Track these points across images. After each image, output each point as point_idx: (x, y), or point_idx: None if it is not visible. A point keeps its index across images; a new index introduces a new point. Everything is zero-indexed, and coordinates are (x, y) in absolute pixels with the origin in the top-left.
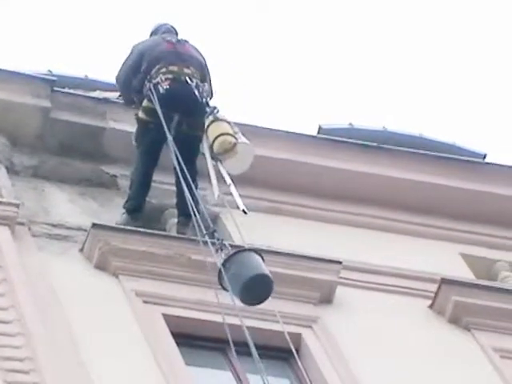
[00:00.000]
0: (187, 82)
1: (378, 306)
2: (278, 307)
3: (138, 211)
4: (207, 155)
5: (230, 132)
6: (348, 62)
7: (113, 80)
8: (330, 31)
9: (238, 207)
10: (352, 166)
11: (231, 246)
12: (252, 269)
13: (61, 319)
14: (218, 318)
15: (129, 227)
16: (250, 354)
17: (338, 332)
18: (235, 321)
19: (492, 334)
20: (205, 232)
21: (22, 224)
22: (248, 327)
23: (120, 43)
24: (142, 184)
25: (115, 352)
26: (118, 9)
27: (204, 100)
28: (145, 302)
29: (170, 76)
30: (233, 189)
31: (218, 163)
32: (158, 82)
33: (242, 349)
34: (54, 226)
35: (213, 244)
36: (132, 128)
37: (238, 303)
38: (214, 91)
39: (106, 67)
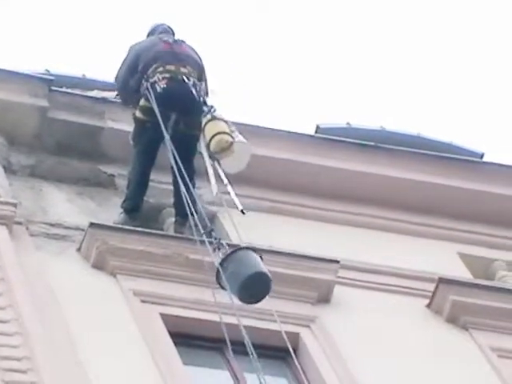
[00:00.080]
0: (184, 81)
1: (375, 305)
2: (275, 306)
3: (136, 211)
4: (205, 153)
5: (227, 131)
6: (346, 62)
7: (110, 79)
8: (328, 31)
9: (236, 207)
10: (350, 165)
11: (228, 245)
12: (250, 267)
13: (59, 318)
14: (215, 318)
15: (126, 227)
16: (247, 354)
17: (335, 331)
18: (233, 320)
19: (490, 333)
20: (202, 231)
21: (19, 223)
22: (246, 326)
23: (118, 43)
24: (140, 183)
25: (113, 351)
26: (115, 8)
27: (201, 99)
28: (142, 301)
29: (167, 75)
30: (230, 189)
31: (216, 163)
32: (155, 81)
33: (240, 348)
34: (51, 225)
35: (210, 243)
36: (130, 127)
37: (236, 302)
38: (209, 91)
39: (104, 67)
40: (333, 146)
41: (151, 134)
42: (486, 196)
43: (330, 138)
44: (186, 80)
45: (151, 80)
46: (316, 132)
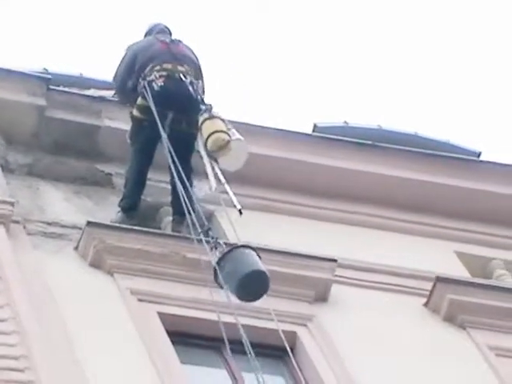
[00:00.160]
0: (181, 79)
1: (373, 304)
2: (273, 305)
3: (133, 209)
4: (203, 152)
5: (224, 129)
6: (343, 61)
7: (108, 78)
8: (325, 29)
9: (234, 206)
10: (347, 164)
11: (225, 243)
12: (248, 265)
13: (56, 317)
14: (213, 317)
15: (124, 225)
16: (245, 352)
17: (333, 330)
18: (230, 319)
19: (487, 332)
20: (199, 230)
21: (16, 222)
22: (243, 325)
23: (115, 42)
24: (137, 182)
25: (110, 350)
26: (113, 7)
27: (199, 97)
28: (140, 300)
29: (164, 73)
30: (228, 188)
31: (214, 162)
32: (152, 80)
33: (237, 347)
34: (48, 224)
35: (207, 242)
36: (127, 126)
37: (233, 301)
38: (205, 91)
39: (101, 65)
40: (330, 145)
41: (148, 133)
42: (483, 195)
43: (328, 137)
44: (183, 78)
45: (148, 78)
46: (313, 131)
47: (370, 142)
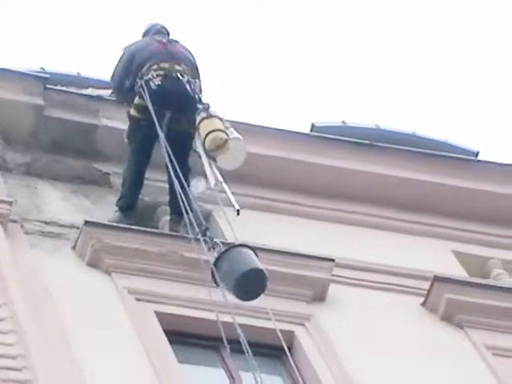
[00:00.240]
0: (179, 78)
1: (370, 303)
2: (270, 305)
3: (131, 209)
4: (201, 150)
5: (222, 128)
6: (341, 61)
7: (105, 77)
8: (323, 29)
9: (232, 205)
10: (345, 163)
11: (223, 243)
12: (245, 264)
13: (53, 316)
14: (210, 316)
15: (121, 225)
16: (242, 352)
17: (330, 330)
18: (228, 318)
19: (485, 331)
20: (197, 230)
21: (14, 221)
22: (241, 325)
23: (112, 41)
24: (135, 182)
25: (108, 349)
26: (110, 6)
27: (196, 96)
28: (137, 299)
29: (161, 72)
30: (226, 187)
31: (212, 162)
32: (149, 79)
33: (235, 346)
34: (46, 223)
35: (205, 242)
36: (125, 125)
37: (231, 300)
38: (202, 90)
39: (99, 65)
40: (328, 145)
41: (146, 132)
42: (480, 194)
43: (325, 137)
44: (181, 77)
45: (146, 78)
46: (311, 130)
47: (367, 142)
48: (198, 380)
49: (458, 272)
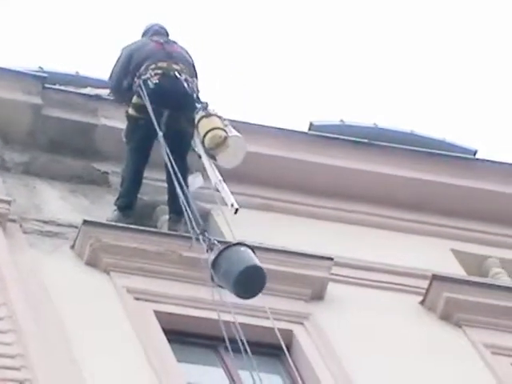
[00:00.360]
0: (176, 77)
1: (369, 302)
2: (269, 304)
3: (130, 208)
4: (200, 149)
5: (221, 126)
6: (339, 60)
7: (104, 77)
8: (321, 28)
9: (230, 205)
10: (343, 162)
11: (221, 241)
12: (243, 262)
13: (52, 316)
14: (210, 315)
15: (120, 224)
16: (241, 351)
17: (329, 328)
18: (227, 317)
19: (483, 330)
20: (197, 231)
21: (13, 221)
22: (239, 324)
23: (111, 40)
24: (133, 181)
25: (107, 349)
26: (109, 5)
27: (194, 94)
28: (136, 298)
29: (159, 71)
30: (225, 186)
31: (212, 161)
32: (147, 78)
33: (234, 345)
34: (45, 222)
35: (203, 241)
36: (123, 125)
37: (229, 299)
38: (199, 90)
39: (98, 64)
40: (326, 143)
41: (144, 131)
42: (479, 193)
43: (324, 135)
44: (178, 76)
45: (143, 77)
46: (309, 129)
47: (365, 141)
48: (197, 379)
49: (457, 271)
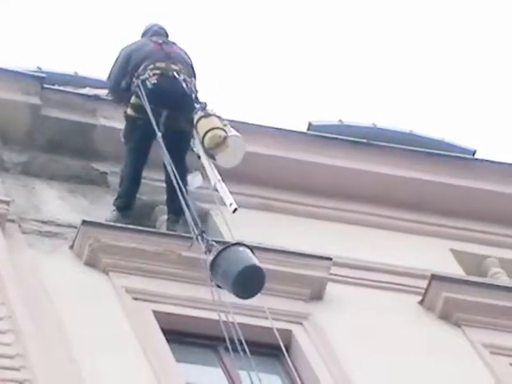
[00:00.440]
0: (175, 77)
1: (368, 302)
2: (268, 304)
3: (128, 208)
4: (200, 149)
5: (220, 126)
6: (338, 60)
7: (102, 77)
8: (320, 28)
9: (229, 204)
10: (342, 162)
11: (219, 242)
12: (242, 262)
13: (51, 316)
14: (208, 315)
15: (119, 224)
16: (240, 351)
17: (328, 328)
18: (226, 318)
19: (482, 330)
20: (197, 232)
21: (12, 221)
22: (238, 324)
23: (110, 40)
24: (132, 181)
25: (105, 348)
26: (107, 5)
27: (193, 94)
28: (135, 298)
29: (157, 72)
30: (224, 186)
31: (211, 161)
32: (145, 78)
33: (233, 345)
34: (44, 223)
35: (203, 241)
36: (122, 125)
37: (228, 299)
38: (198, 90)
39: (96, 64)
40: (325, 143)
41: (143, 132)
42: (478, 193)
43: (322, 135)
44: (177, 76)
45: (142, 77)
46: (308, 129)
47: (364, 141)
48: (196, 379)
49: (456, 271)
